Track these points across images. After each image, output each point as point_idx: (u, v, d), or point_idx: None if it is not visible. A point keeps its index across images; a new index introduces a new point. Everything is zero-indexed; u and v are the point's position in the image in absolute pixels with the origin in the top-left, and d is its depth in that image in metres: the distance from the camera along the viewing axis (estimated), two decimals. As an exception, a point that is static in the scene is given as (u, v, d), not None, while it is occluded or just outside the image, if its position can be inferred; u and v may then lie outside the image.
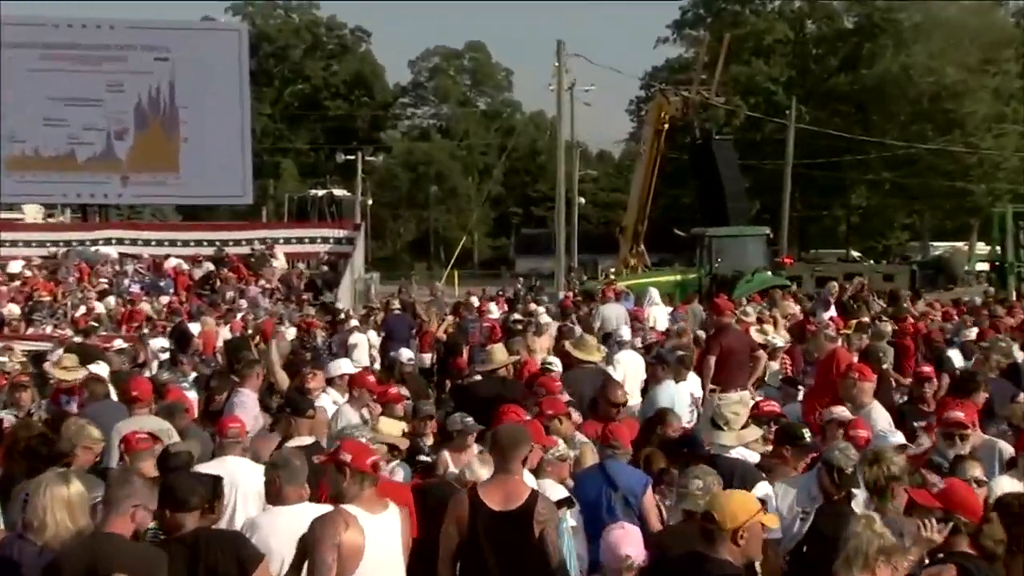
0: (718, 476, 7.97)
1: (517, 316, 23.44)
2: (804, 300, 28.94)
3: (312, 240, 40.93)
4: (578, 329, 19.16)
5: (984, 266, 45.37)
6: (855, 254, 74.05)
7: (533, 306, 27.36)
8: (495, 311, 26.87)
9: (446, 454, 10.19)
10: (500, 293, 36.99)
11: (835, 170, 76.62)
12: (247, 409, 12.36)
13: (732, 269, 37.03)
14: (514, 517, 7.65)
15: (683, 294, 33.37)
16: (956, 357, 17.31)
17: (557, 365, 14.11)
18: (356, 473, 7.24)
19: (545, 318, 22.52)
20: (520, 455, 7.87)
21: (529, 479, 8.48)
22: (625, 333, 18.01)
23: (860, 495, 8.35)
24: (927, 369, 13.49)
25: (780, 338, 18.49)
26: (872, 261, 62.34)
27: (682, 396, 13.56)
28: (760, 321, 20.31)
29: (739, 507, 6.69)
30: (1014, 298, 34.87)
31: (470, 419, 10.43)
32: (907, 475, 8.30)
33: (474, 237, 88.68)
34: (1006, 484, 8.86)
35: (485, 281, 55.11)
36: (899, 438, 10.07)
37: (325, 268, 38.59)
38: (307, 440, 10.03)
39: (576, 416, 11.40)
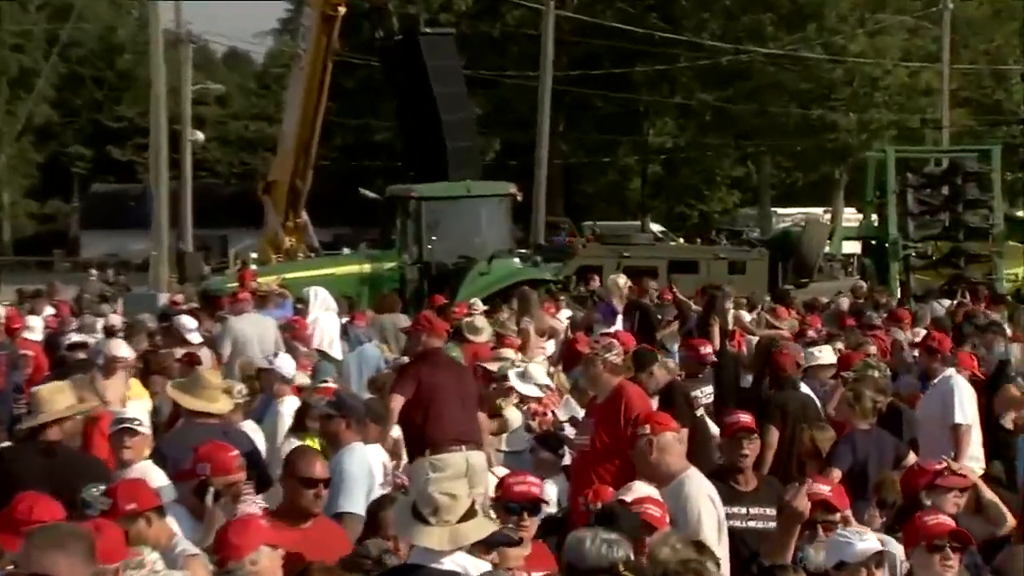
0: None
1: (78, 338, 16.66)
2: (577, 306, 22.86)
3: None
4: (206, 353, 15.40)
5: (854, 247, 36.02)
6: (656, 228, 52.83)
7: (112, 318, 20.08)
8: (36, 329, 18.35)
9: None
10: (47, 295, 24.36)
11: (623, 88, 50.77)
12: None
13: (455, 254, 25.86)
14: None
15: (374, 295, 23.37)
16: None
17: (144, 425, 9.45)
18: None
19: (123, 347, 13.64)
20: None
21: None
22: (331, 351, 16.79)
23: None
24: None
25: (534, 368, 13.44)
26: (702, 240, 47.93)
27: (375, 465, 9.73)
28: (501, 341, 15.51)
29: None
30: (899, 296, 26.49)
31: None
32: None
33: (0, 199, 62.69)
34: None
35: (25, 276, 39.35)
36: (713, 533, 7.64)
37: None
38: None
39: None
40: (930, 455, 9.83)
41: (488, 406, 11.83)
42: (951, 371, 12.21)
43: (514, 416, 12.29)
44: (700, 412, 11.83)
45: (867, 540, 6.65)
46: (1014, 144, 54.65)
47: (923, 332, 16.14)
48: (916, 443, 11.28)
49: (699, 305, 18.82)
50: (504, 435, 12.07)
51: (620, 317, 18.32)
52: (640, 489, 7.76)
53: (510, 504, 7.21)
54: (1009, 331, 17.85)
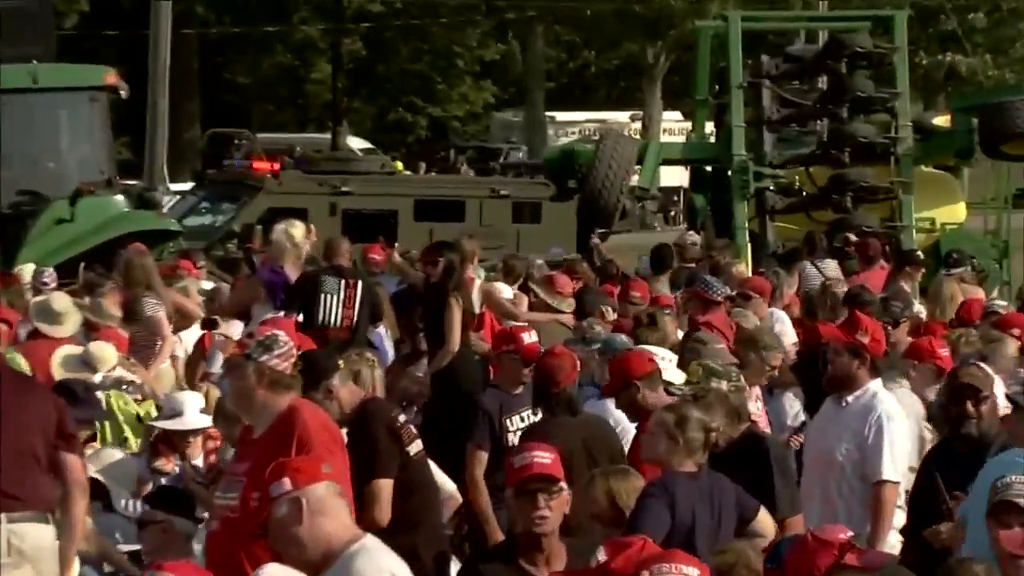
0: None
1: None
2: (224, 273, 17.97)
3: None
4: None
5: (679, 175, 29.14)
6: (356, 144, 41.52)
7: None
8: None
9: None
10: None
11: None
12: None
13: (12, 189, 19.97)
14: None
15: None
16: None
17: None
18: None
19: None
20: None
21: None
22: None
23: None
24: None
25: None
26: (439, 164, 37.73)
27: None
28: (95, 334, 11.53)
29: None
30: (750, 255, 20.49)
31: None
32: None
33: None
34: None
35: None
36: None
37: None
38: None
39: None
40: (822, 516, 8.30)
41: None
42: (872, 386, 9.14)
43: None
44: (415, 448, 8.51)
45: None
46: (929, 6, 41.33)
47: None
48: (791, 497, 8.22)
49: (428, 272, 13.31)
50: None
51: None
52: None
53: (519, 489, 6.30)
54: (922, 309, 13.81)
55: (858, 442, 8.84)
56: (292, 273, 13.39)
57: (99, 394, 10.21)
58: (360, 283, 13.28)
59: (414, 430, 8.66)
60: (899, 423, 8.96)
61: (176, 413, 9.60)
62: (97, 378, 10.44)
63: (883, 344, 10.33)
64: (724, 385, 8.42)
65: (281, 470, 5.66)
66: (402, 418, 8.69)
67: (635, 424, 8.42)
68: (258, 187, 23.42)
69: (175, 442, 9.54)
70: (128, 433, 10.55)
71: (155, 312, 12.71)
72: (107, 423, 10.61)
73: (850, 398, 9.00)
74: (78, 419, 8.38)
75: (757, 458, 8.04)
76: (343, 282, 13.17)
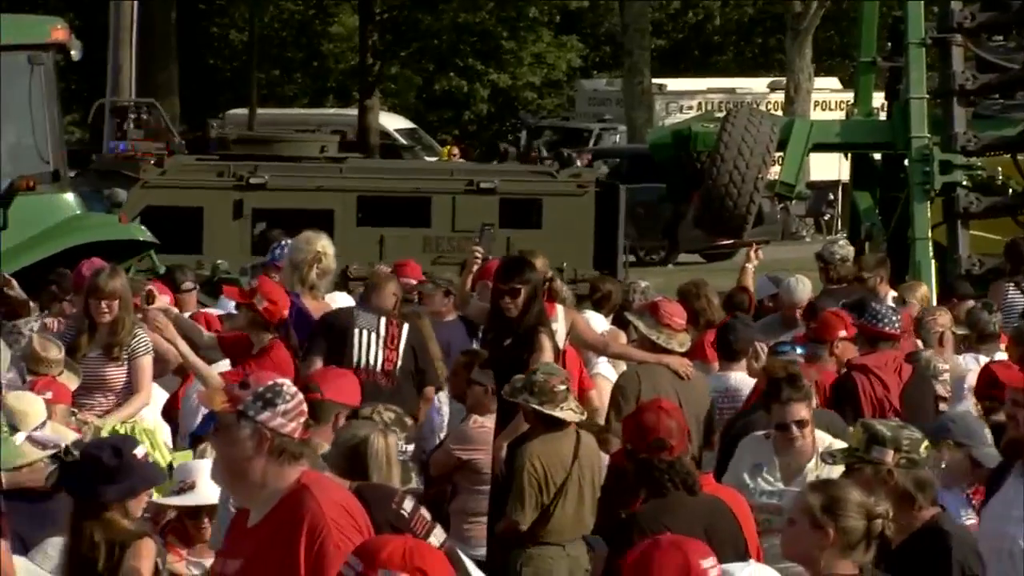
0: None
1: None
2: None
3: None
4: None
5: (834, 167, 31.26)
6: (392, 123, 46.67)
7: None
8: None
9: None
10: None
11: None
12: None
13: None
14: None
15: None
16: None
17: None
18: None
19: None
20: None
21: None
22: None
23: None
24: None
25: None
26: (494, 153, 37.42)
27: None
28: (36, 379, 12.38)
29: None
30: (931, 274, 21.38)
31: None
32: None
33: None
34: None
35: None
36: None
37: None
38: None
39: None
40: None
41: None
42: None
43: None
44: (435, 541, 8.93)
45: None
46: None
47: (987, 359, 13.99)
48: None
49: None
50: None
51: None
52: None
53: None
54: None
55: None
56: (309, 304, 14.13)
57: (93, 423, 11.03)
58: (406, 323, 14.11)
59: (428, 517, 8.75)
60: None
61: (187, 487, 9.73)
62: (20, 439, 10.22)
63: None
64: (890, 456, 8.41)
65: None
66: (409, 505, 8.73)
67: None
68: (134, 178, 23.36)
69: (187, 528, 9.69)
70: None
71: (144, 355, 13.23)
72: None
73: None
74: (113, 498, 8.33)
75: (934, 560, 8.20)
76: (383, 319, 13.91)
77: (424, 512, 8.66)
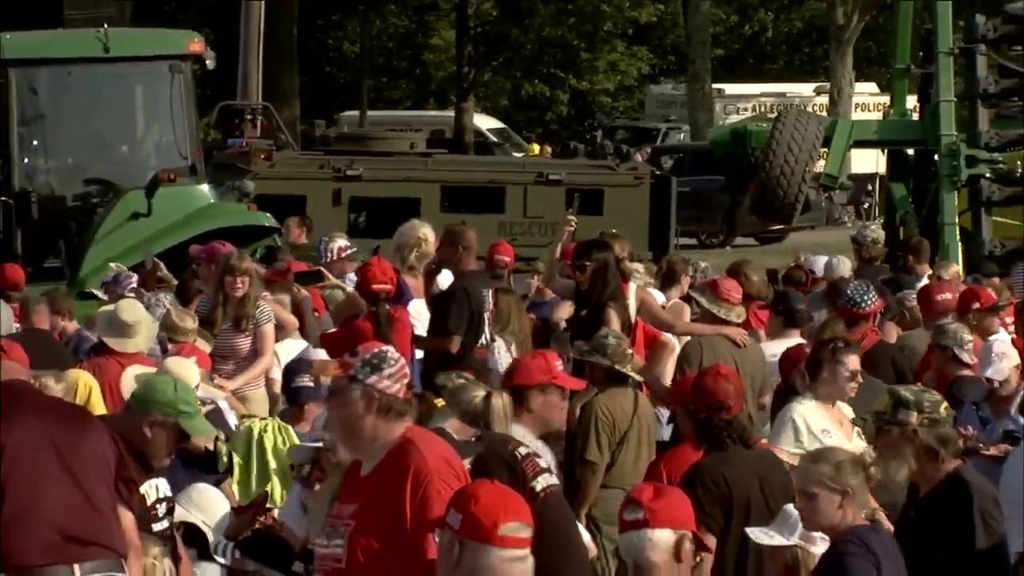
0: None
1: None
2: None
3: None
4: None
5: (871, 160, 30.62)
6: (485, 123, 46.27)
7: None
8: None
9: None
10: None
11: None
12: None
13: (78, 177, 20.44)
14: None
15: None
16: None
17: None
18: None
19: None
20: None
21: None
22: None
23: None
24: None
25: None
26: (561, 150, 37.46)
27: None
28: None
29: None
30: (959, 256, 21.00)
31: None
32: None
33: None
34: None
35: None
36: None
37: None
38: None
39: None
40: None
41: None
42: None
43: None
44: (543, 482, 8.78)
45: None
46: None
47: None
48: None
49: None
50: None
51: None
52: None
53: None
54: None
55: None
56: (409, 281, 13.68)
57: (247, 423, 10.69)
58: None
59: (542, 463, 8.75)
60: None
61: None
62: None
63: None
64: (914, 418, 8.35)
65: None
66: (523, 451, 8.75)
67: None
68: (247, 171, 22.83)
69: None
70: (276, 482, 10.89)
71: (267, 323, 13.32)
72: (253, 462, 11.09)
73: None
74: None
75: (959, 507, 8.23)
76: (489, 292, 13.70)
77: (537, 459, 8.67)
